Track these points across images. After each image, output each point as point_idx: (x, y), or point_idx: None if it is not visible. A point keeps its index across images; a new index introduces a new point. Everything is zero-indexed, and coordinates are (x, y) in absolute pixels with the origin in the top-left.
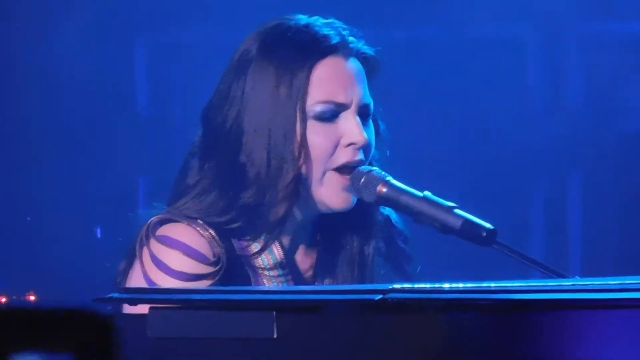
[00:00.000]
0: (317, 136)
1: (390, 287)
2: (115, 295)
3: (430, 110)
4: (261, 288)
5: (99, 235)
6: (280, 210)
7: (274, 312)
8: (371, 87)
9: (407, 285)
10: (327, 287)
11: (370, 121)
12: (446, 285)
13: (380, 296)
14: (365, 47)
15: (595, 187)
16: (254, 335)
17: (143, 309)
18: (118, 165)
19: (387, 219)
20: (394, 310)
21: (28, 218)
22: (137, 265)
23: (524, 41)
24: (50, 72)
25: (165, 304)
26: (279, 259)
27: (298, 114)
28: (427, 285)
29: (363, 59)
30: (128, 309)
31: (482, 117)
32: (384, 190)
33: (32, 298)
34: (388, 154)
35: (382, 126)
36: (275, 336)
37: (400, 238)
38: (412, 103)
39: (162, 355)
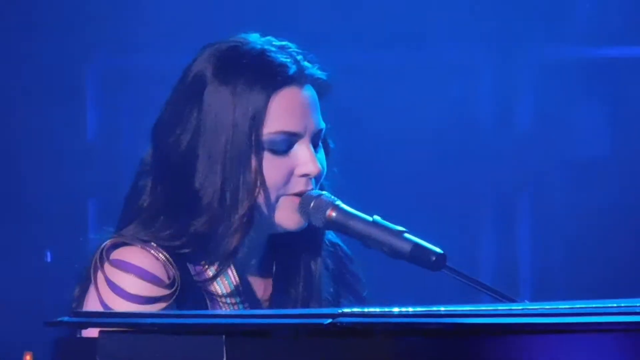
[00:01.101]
0: (271, 166)
1: (340, 311)
2: (66, 318)
3: (380, 131)
4: (211, 312)
5: (48, 259)
6: (234, 240)
7: (224, 336)
8: (323, 107)
9: (356, 310)
10: (277, 312)
11: (321, 144)
12: (395, 310)
13: (329, 320)
14: (319, 72)
15: (544, 210)
16: (203, 359)
17: (96, 332)
18: (67, 187)
19: (334, 240)
20: (343, 335)
21: None
22: (92, 290)
23: (476, 63)
24: None
25: (115, 327)
26: (235, 283)
27: (254, 143)
28: (377, 310)
29: (316, 84)
30: (86, 333)
31: (432, 139)
32: (333, 214)
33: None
34: (336, 171)
35: (331, 144)
36: None
37: (347, 259)
38: (362, 124)
39: None
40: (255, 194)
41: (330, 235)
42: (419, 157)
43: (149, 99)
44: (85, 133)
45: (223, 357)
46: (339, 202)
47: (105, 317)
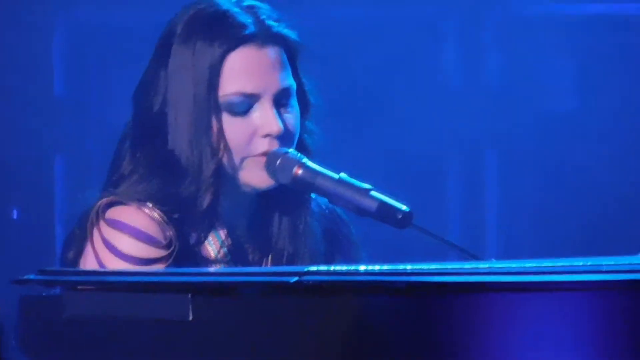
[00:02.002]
0: (232, 128)
1: (306, 269)
2: (32, 276)
3: (348, 89)
4: (178, 270)
5: (14, 216)
6: (206, 200)
7: (190, 294)
8: (298, 67)
9: (322, 268)
10: (244, 270)
11: (293, 102)
12: (362, 268)
13: (296, 278)
14: (286, 30)
15: (511, 168)
16: (170, 317)
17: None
18: (33, 143)
19: (330, 207)
20: (309, 293)
21: None
22: (89, 250)
23: (441, 19)
24: None
25: (81, 285)
26: (226, 244)
27: (212, 105)
28: (343, 268)
29: (283, 43)
30: None
31: (399, 96)
32: (300, 172)
33: None
34: (316, 128)
35: (313, 100)
36: (190, 318)
37: (342, 222)
38: (330, 80)
39: (77, 337)
40: (220, 155)
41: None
42: (387, 114)
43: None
44: (52, 88)
45: (189, 315)
46: (305, 160)
47: (72, 275)
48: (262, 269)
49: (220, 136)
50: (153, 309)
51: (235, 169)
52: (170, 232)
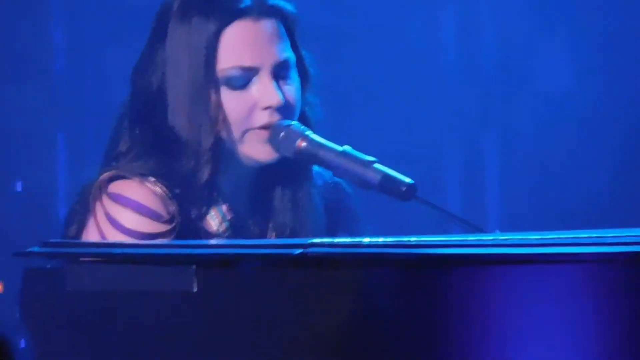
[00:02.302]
0: (231, 102)
1: (310, 241)
2: (35, 249)
3: (347, 64)
4: (182, 242)
5: (19, 189)
6: (205, 174)
7: (194, 266)
8: (297, 39)
9: (326, 240)
10: (248, 242)
11: (293, 75)
12: (366, 240)
13: (300, 250)
14: (282, 2)
15: (511, 143)
16: (175, 289)
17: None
18: (36, 120)
19: (337, 181)
20: (313, 265)
21: None
22: (91, 224)
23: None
24: None
25: (85, 257)
26: (229, 218)
27: (210, 80)
28: (347, 240)
29: (280, 15)
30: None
31: (398, 74)
32: (303, 144)
33: None
34: (318, 101)
35: (312, 72)
36: (195, 290)
37: (346, 196)
38: (327, 57)
39: (81, 309)
40: (218, 127)
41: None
42: (386, 90)
43: (118, 31)
44: (53, 64)
45: (193, 287)
46: (309, 132)
47: (75, 247)
48: (266, 241)
49: (219, 110)
50: (157, 281)
51: (236, 143)
52: (172, 207)
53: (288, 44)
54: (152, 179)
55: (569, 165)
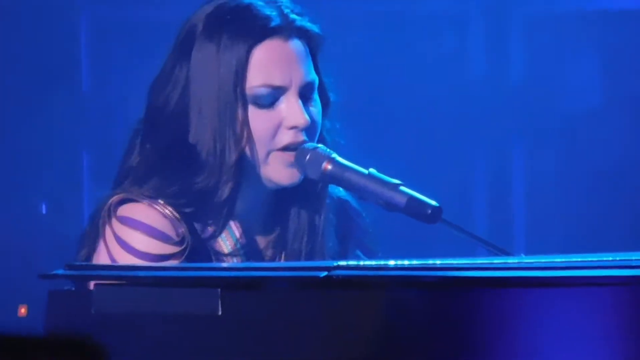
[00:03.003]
0: (258, 120)
1: (336, 264)
2: (60, 271)
3: (373, 85)
4: (207, 265)
5: (44, 211)
6: (226, 192)
7: (219, 289)
8: (318, 62)
9: (352, 263)
10: (273, 264)
11: (316, 97)
12: (391, 262)
13: (325, 273)
14: (309, 24)
15: (537, 165)
16: (199, 311)
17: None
18: (62, 140)
19: (344, 196)
20: (339, 287)
21: None
22: (102, 247)
23: (468, 17)
24: None
25: (110, 280)
26: (240, 241)
27: (239, 97)
28: (373, 263)
29: (306, 37)
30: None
31: (426, 92)
32: (329, 167)
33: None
34: (338, 126)
35: (332, 97)
36: (220, 313)
37: (356, 214)
38: (354, 78)
39: (106, 331)
40: (243, 145)
41: (339, 192)
42: (414, 111)
43: (145, 52)
44: (80, 84)
45: (218, 310)
46: (334, 155)
47: (100, 270)
48: (292, 263)
49: (245, 128)
50: (182, 304)
51: (259, 163)
52: (182, 229)
53: (312, 65)
54: (161, 202)
55: (596, 187)
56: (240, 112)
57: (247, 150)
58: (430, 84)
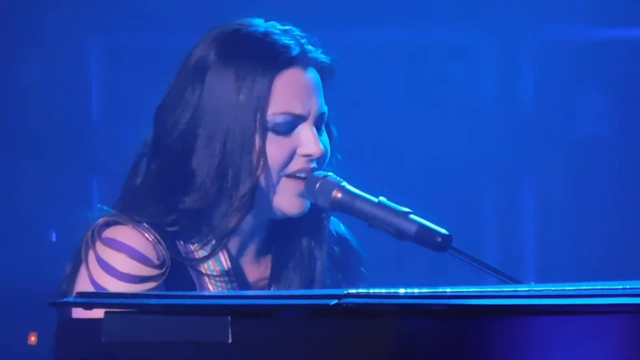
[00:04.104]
0: (275, 147)
1: (346, 292)
2: (71, 299)
3: (383, 113)
4: (216, 293)
5: (53, 239)
6: (234, 220)
7: (229, 317)
8: (326, 92)
9: (362, 291)
10: (283, 292)
11: (324, 128)
12: (401, 291)
13: (335, 301)
14: (322, 56)
15: (547, 192)
16: (209, 339)
17: (94, 313)
18: (72, 168)
19: (336, 223)
20: (349, 315)
21: None
22: (82, 268)
23: (476, 45)
24: (2, 74)
25: (120, 308)
26: (226, 266)
27: (258, 124)
28: (383, 291)
29: (319, 67)
30: (76, 313)
31: (435, 121)
32: (339, 195)
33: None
34: (340, 157)
35: (334, 131)
36: (230, 341)
37: (350, 245)
38: (365, 107)
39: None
40: (258, 173)
41: (338, 228)
42: (422, 139)
43: (155, 79)
44: (90, 112)
45: (228, 338)
46: (344, 183)
47: (109, 298)
48: (301, 291)
49: (261, 155)
50: (192, 332)
51: (270, 190)
52: (163, 252)
53: (323, 97)
54: (146, 225)
55: (605, 215)
56: (258, 139)
57: (261, 179)
58: (440, 111)
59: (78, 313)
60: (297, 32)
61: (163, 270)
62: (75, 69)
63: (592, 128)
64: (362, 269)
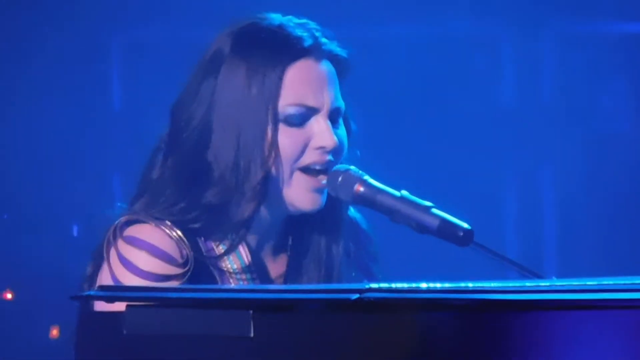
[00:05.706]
0: (287, 138)
1: (368, 286)
2: (92, 292)
3: (404, 108)
4: (238, 287)
5: (75, 233)
6: (247, 211)
7: (251, 311)
8: (343, 88)
9: (384, 285)
10: (305, 287)
11: (342, 122)
12: (423, 285)
13: (357, 295)
14: (338, 48)
15: (568, 186)
16: (231, 333)
17: (116, 307)
18: (94, 162)
19: (354, 219)
20: (370, 310)
21: (5, 216)
22: (104, 267)
23: (497, 39)
24: (26, 69)
25: (142, 301)
26: (247, 262)
27: (269, 116)
28: (405, 285)
29: (335, 61)
30: (99, 306)
31: (456, 115)
32: (361, 189)
33: (9, 296)
34: (359, 154)
35: (353, 126)
36: (252, 335)
37: (367, 239)
38: (386, 101)
39: (138, 353)
40: (270, 164)
41: (350, 214)
42: (442, 133)
43: (178, 73)
44: (112, 106)
45: (250, 332)
46: (366, 177)
47: (131, 292)
48: (323, 285)
49: (274, 145)
50: (214, 326)
51: (283, 183)
52: (186, 251)
53: (339, 91)
54: (168, 222)
55: (626, 210)
56: (270, 130)
57: (273, 170)
58: (461, 105)
59: (100, 307)
60: (312, 25)
61: (186, 268)
62: (96, 64)
63: (613, 123)
64: (374, 268)
